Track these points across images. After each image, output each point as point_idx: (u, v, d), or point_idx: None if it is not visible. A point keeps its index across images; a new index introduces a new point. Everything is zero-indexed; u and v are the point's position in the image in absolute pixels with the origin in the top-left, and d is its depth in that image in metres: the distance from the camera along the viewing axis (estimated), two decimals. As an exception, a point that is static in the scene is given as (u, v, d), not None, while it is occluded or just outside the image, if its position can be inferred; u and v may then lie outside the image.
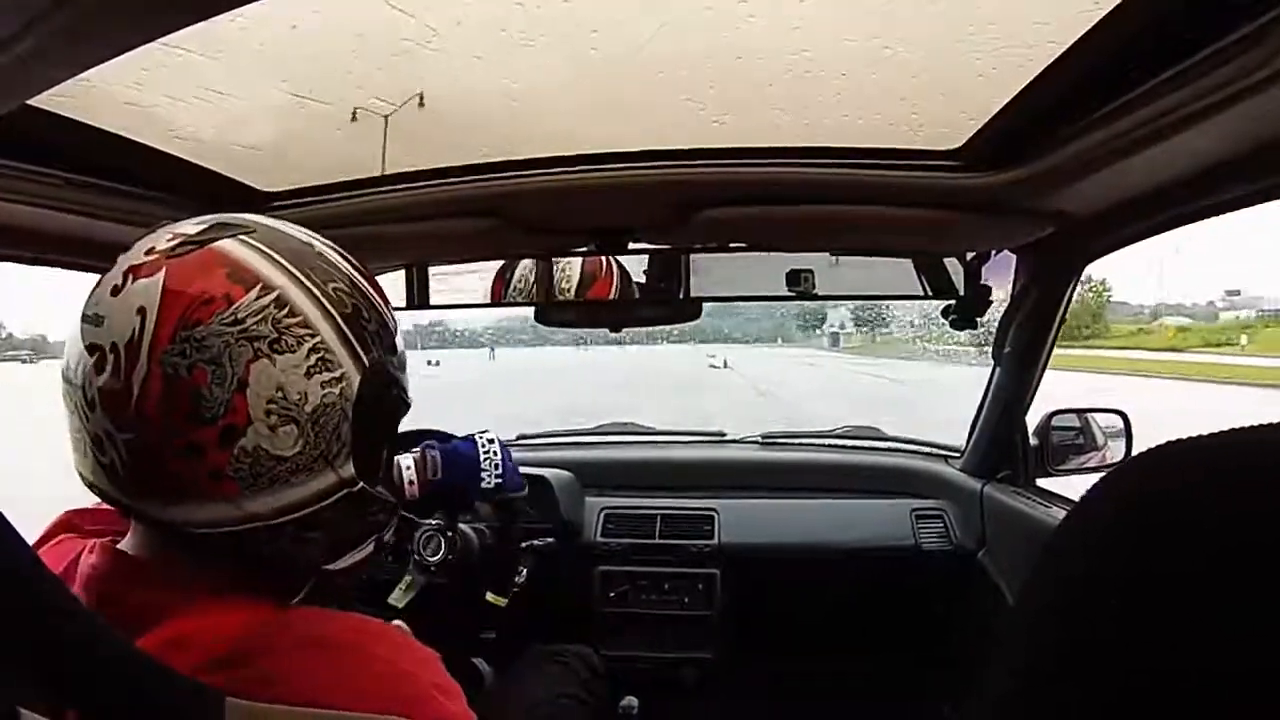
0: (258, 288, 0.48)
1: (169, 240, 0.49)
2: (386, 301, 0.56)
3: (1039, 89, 0.70)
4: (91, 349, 0.47)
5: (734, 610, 1.56)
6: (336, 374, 0.49)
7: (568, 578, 1.54)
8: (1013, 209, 0.92)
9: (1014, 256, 1.24)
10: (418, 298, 1.29)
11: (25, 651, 0.43)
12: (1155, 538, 0.24)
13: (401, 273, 1.29)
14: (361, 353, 0.51)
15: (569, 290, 1.23)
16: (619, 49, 0.70)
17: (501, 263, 1.28)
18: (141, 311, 0.46)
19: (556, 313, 1.27)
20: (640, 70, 0.72)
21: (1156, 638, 0.23)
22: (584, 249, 1.17)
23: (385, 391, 0.53)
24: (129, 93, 0.69)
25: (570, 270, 1.23)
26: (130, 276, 0.47)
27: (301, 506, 0.50)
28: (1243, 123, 0.63)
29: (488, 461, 1.10)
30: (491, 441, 1.11)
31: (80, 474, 0.51)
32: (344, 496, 0.51)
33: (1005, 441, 1.47)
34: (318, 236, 0.55)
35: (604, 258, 1.20)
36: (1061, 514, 1.25)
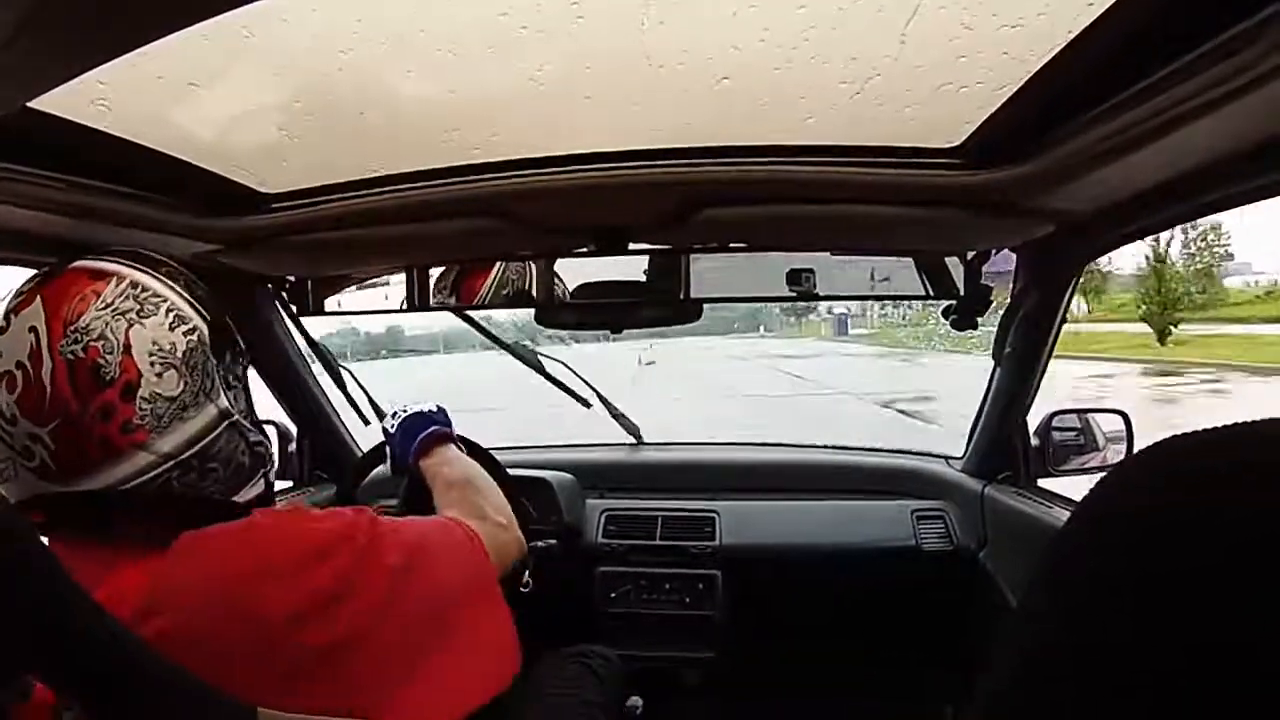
0: (114, 279, 0.60)
1: (31, 283, 0.60)
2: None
3: (1039, 86, 0.69)
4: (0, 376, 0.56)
5: (735, 611, 1.56)
6: (190, 325, 0.62)
7: (569, 579, 1.54)
8: (1013, 207, 0.92)
9: (1014, 256, 1.24)
10: (418, 298, 1.29)
11: (50, 661, 0.44)
12: (1166, 534, 0.24)
13: (402, 274, 1.30)
14: (203, 310, 0.64)
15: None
16: (619, 48, 0.70)
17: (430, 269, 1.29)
18: (33, 329, 0.57)
19: (556, 314, 1.27)
20: (640, 70, 0.72)
21: (1167, 636, 0.23)
22: (584, 249, 1.17)
23: (229, 339, 0.66)
24: (129, 94, 0.69)
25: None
26: (11, 315, 0.58)
27: (199, 438, 0.61)
28: (1243, 118, 0.63)
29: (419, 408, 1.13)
30: (407, 406, 1.13)
31: (14, 501, 0.58)
32: (226, 427, 0.63)
33: (1006, 442, 1.47)
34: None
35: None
36: (1063, 514, 1.25)
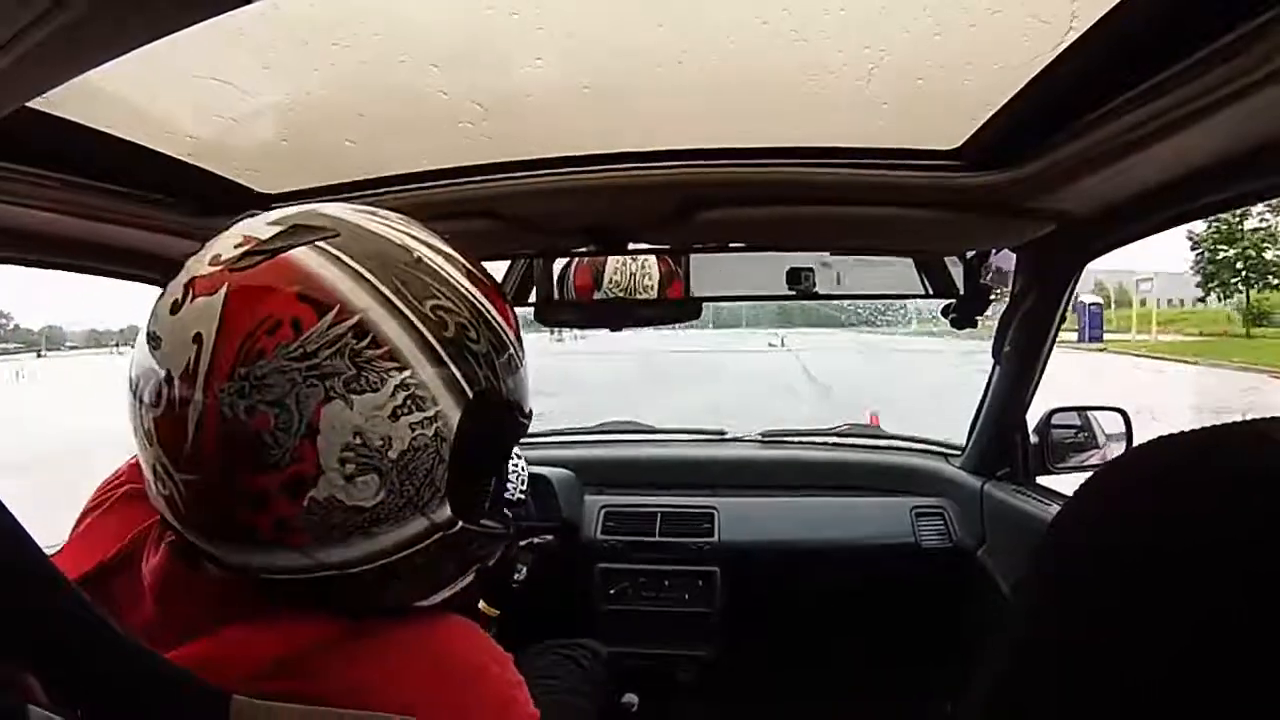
0: (334, 311, 0.40)
1: (236, 246, 0.43)
2: (504, 307, 0.48)
3: (1039, 87, 0.69)
4: (149, 375, 0.42)
5: (733, 607, 1.57)
6: (430, 413, 0.42)
7: (568, 575, 1.54)
8: (1013, 208, 0.92)
9: (1014, 255, 1.24)
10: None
11: (26, 648, 0.43)
12: (1154, 530, 0.25)
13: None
14: (465, 384, 0.43)
15: (651, 288, 1.22)
16: (619, 49, 0.70)
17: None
18: (198, 339, 0.40)
19: (556, 312, 1.27)
20: (640, 70, 0.72)
21: (1154, 627, 0.23)
22: (584, 249, 1.17)
23: (494, 422, 0.46)
24: (129, 94, 0.69)
25: (649, 268, 1.22)
26: (190, 292, 0.42)
27: (384, 555, 0.44)
28: (1243, 121, 0.63)
29: (515, 476, 1.07)
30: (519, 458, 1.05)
31: (152, 499, 0.47)
32: (436, 542, 0.45)
33: (1005, 439, 1.47)
34: (422, 232, 0.47)
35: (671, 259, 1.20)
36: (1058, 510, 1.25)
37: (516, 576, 1.26)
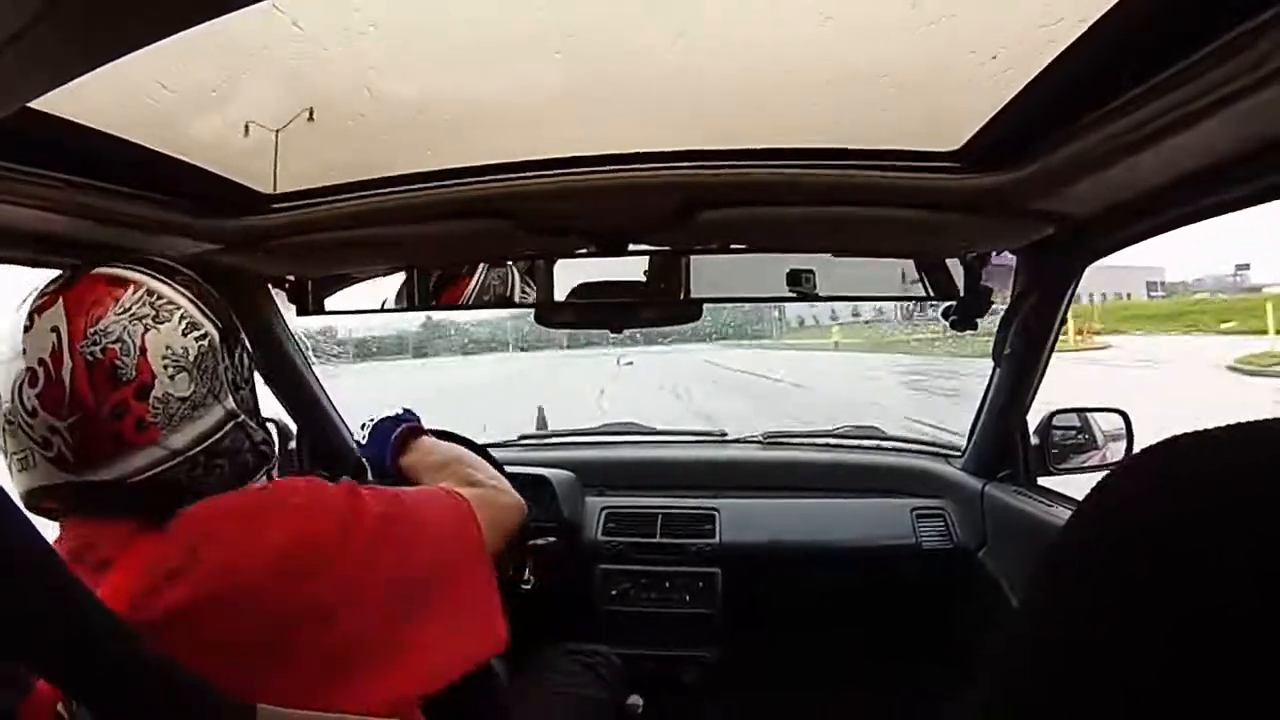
0: (131, 287, 0.65)
1: (53, 285, 0.65)
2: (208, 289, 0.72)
3: (1039, 89, 0.69)
4: (20, 375, 0.61)
5: (735, 609, 1.56)
6: (202, 331, 0.67)
7: (569, 577, 1.54)
8: (1013, 209, 0.92)
9: (1014, 257, 1.24)
10: (418, 298, 1.29)
11: (58, 663, 0.44)
12: (1166, 533, 0.24)
13: (402, 274, 1.30)
14: (214, 316, 0.69)
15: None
16: (619, 50, 0.70)
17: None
18: (55, 329, 0.61)
19: (556, 314, 1.27)
20: (640, 72, 0.72)
21: (1166, 632, 0.23)
22: (584, 250, 1.17)
23: (238, 343, 0.71)
24: (129, 95, 0.69)
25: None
26: (35, 315, 0.62)
27: (207, 436, 0.66)
28: (1243, 121, 0.63)
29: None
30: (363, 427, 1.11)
31: (24, 491, 0.63)
32: (233, 426, 0.68)
33: (1006, 441, 1.47)
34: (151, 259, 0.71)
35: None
36: (1063, 513, 1.25)
37: (525, 578, 1.26)
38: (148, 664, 0.47)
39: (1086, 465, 1.44)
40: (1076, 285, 1.22)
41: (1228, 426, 0.26)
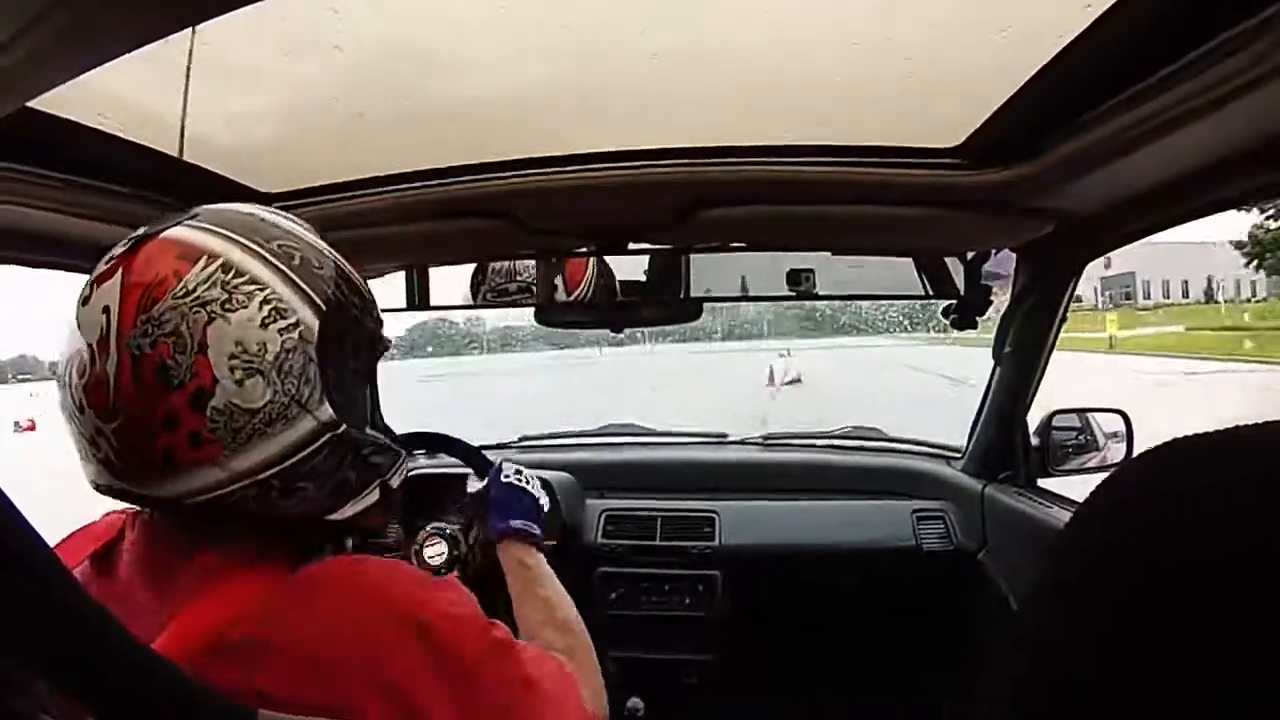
0: (203, 259, 0.50)
1: (124, 245, 0.52)
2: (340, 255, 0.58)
3: (1039, 86, 0.69)
4: (72, 357, 0.50)
5: (735, 612, 1.56)
6: (291, 320, 0.51)
7: (569, 579, 1.54)
8: (1013, 207, 0.92)
9: (1014, 255, 1.24)
10: (418, 298, 1.29)
11: (42, 659, 0.43)
12: (1167, 536, 0.24)
13: (401, 273, 1.30)
14: (316, 297, 0.52)
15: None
16: (620, 50, 0.70)
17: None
18: (106, 310, 0.49)
19: (556, 313, 1.27)
20: (640, 70, 0.72)
21: (1167, 636, 0.23)
22: (585, 249, 1.17)
23: (350, 330, 0.55)
24: (129, 94, 0.69)
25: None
26: (95, 284, 0.51)
27: (285, 457, 0.51)
28: (1244, 118, 0.63)
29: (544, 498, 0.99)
30: (529, 480, 0.98)
31: (89, 480, 0.53)
32: (328, 441, 0.53)
33: (1006, 442, 1.46)
34: (266, 209, 0.57)
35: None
36: (1063, 514, 1.25)
37: None
38: (144, 665, 0.46)
39: (1087, 466, 1.44)
40: (1077, 283, 1.22)
41: (1230, 430, 0.26)
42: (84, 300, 0.51)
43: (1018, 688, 0.28)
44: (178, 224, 0.52)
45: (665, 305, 1.23)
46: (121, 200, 0.87)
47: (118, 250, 0.52)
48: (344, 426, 0.54)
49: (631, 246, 1.14)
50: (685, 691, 1.56)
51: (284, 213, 0.57)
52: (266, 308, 0.50)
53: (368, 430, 0.57)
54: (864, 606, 1.61)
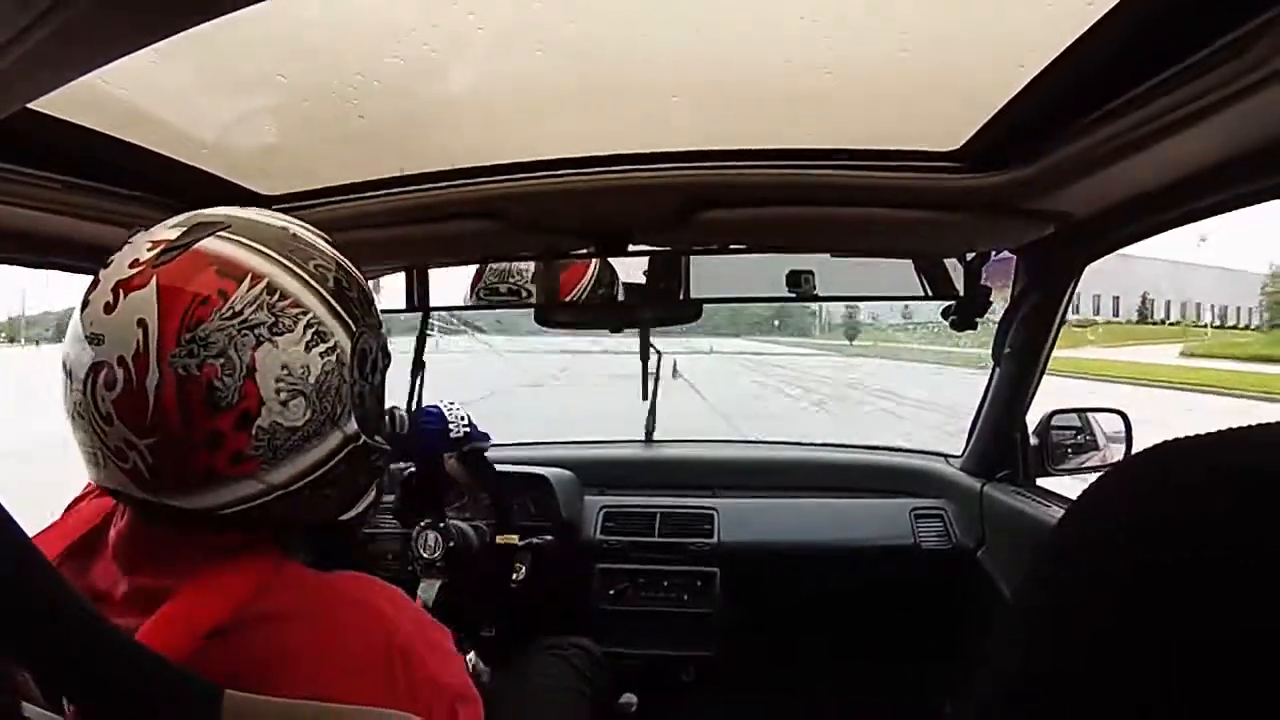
0: (248, 279, 0.50)
1: (150, 249, 0.51)
2: (356, 270, 0.60)
3: (1039, 89, 0.69)
4: (97, 367, 0.49)
5: (733, 608, 1.56)
6: (331, 343, 0.53)
7: (567, 575, 1.54)
8: (1013, 209, 0.92)
9: (1014, 257, 1.24)
10: (418, 299, 1.29)
11: (19, 644, 0.43)
12: (1153, 536, 0.24)
13: (401, 274, 1.30)
14: (349, 320, 0.55)
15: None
16: (619, 50, 0.70)
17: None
18: (142, 323, 0.48)
19: (556, 313, 1.27)
20: (640, 72, 0.72)
21: (1156, 634, 0.23)
22: (584, 251, 1.17)
23: (373, 351, 0.58)
24: (129, 96, 0.69)
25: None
26: (121, 292, 0.49)
27: (318, 467, 0.54)
28: (1242, 122, 0.63)
29: (453, 416, 1.14)
30: (453, 405, 1.14)
31: (102, 484, 0.53)
32: (350, 451, 0.56)
33: (1005, 441, 1.47)
34: (290, 219, 0.57)
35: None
36: (1060, 513, 1.25)
37: (515, 576, 1.26)
38: (116, 646, 0.46)
39: (1086, 466, 1.44)
40: (1076, 285, 1.22)
41: (1224, 431, 0.26)
42: (108, 307, 0.49)
43: (1009, 684, 0.28)
44: (213, 235, 0.52)
45: (665, 306, 1.23)
46: (122, 202, 0.87)
47: (142, 254, 0.51)
48: (364, 438, 0.57)
49: (632, 248, 1.14)
50: (683, 687, 1.57)
51: (310, 227, 0.58)
52: (309, 331, 0.52)
53: (376, 438, 0.60)
54: (862, 604, 1.61)
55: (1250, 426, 0.25)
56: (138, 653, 0.45)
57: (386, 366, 0.62)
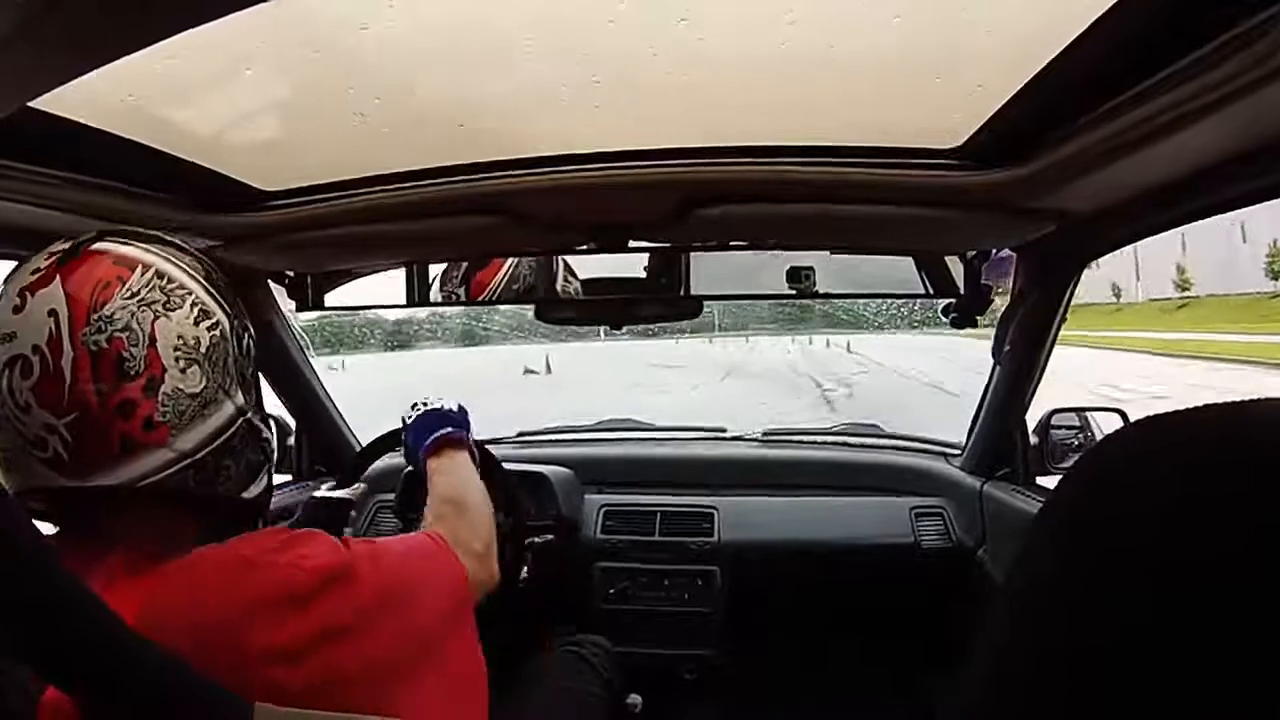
0: (139, 267, 0.58)
1: (47, 259, 0.57)
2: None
3: (1039, 86, 0.69)
4: (11, 362, 0.54)
5: (734, 607, 1.57)
6: (214, 319, 0.61)
7: (568, 574, 1.55)
8: (1013, 207, 0.92)
9: (1014, 255, 1.24)
10: (419, 294, 1.30)
11: (54, 664, 0.44)
12: (1142, 511, 0.25)
13: (402, 271, 1.30)
14: (225, 303, 0.62)
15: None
16: (620, 48, 0.69)
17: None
18: (53, 313, 0.54)
19: (556, 310, 1.27)
20: (640, 69, 0.72)
21: (1143, 609, 0.24)
22: (584, 247, 1.17)
23: (245, 333, 0.65)
24: (128, 93, 0.69)
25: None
26: (28, 293, 0.55)
27: (217, 436, 0.60)
28: (1243, 120, 0.63)
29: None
30: (440, 399, 1.09)
31: (17, 488, 0.56)
32: (242, 424, 0.63)
33: (1005, 439, 1.47)
34: (163, 235, 0.65)
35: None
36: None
37: (521, 579, 1.27)
38: (141, 658, 0.47)
39: (1085, 464, 1.44)
40: (1077, 283, 1.22)
41: (1211, 406, 0.26)
42: (15, 308, 0.55)
43: (999, 657, 0.29)
44: (100, 240, 0.59)
45: (665, 303, 1.23)
46: (120, 197, 0.87)
47: (40, 263, 0.57)
48: (250, 413, 0.64)
49: (632, 244, 1.14)
50: (684, 686, 1.57)
51: (175, 238, 0.65)
52: (195, 309, 0.59)
53: (260, 420, 0.66)
54: (862, 602, 1.61)
55: (1220, 404, 0.26)
56: (164, 663, 0.47)
57: (257, 356, 0.68)
